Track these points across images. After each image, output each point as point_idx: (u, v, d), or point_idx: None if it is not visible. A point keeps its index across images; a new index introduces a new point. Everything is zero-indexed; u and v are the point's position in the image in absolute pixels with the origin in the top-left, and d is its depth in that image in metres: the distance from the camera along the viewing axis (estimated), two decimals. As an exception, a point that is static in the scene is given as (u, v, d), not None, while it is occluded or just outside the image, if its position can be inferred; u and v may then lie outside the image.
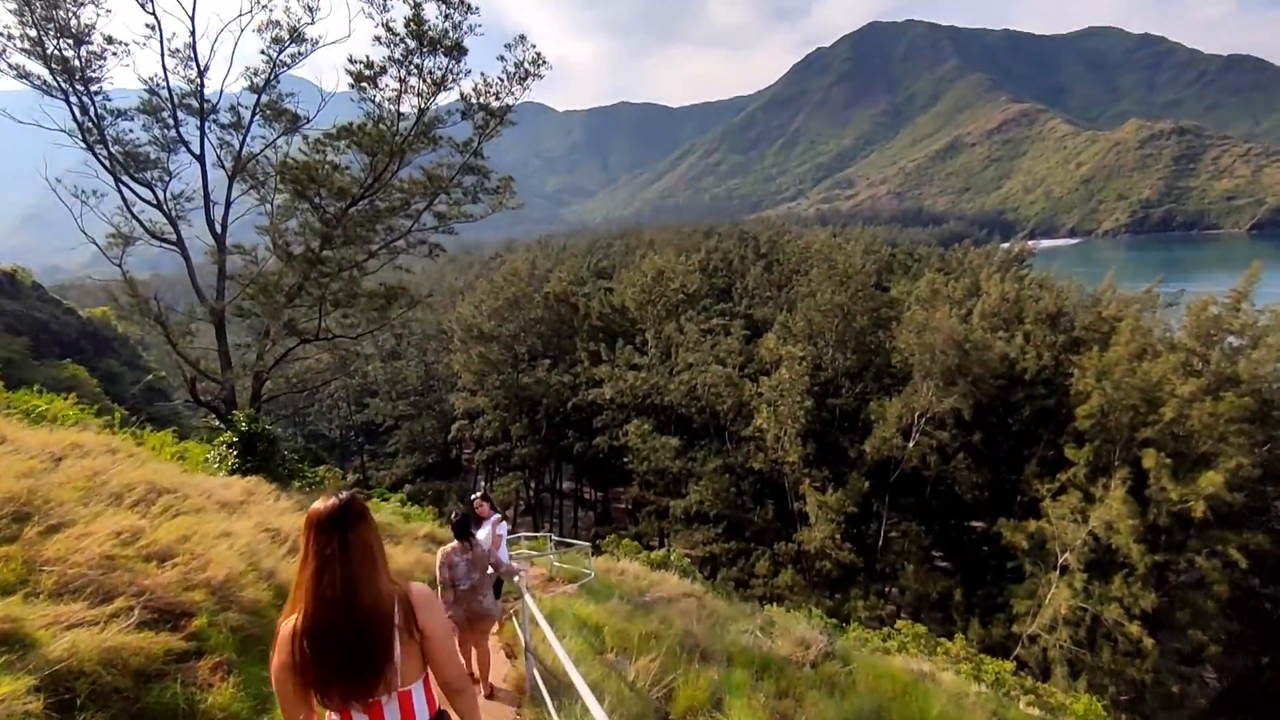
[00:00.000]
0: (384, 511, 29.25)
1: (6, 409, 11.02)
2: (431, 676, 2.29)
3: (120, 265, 16.22)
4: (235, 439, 13.49)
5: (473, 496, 8.04)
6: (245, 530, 7.72)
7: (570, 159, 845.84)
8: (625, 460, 46.73)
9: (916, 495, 41.38)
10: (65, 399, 15.88)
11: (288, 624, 2.13)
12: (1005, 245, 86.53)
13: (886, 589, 36.46)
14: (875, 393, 43.01)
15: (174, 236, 16.76)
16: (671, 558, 22.01)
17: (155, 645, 4.29)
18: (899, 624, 24.31)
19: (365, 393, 67.61)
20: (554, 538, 18.82)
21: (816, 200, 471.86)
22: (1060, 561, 28.76)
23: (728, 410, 42.33)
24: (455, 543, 5.97)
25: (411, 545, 11.87)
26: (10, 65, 15.04)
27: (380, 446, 66.83)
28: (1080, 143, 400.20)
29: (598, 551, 25.38)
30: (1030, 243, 79.86)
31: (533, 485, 57.74)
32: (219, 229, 17.01)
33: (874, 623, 31.77)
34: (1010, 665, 21.27)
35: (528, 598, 5.52)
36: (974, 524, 43.71)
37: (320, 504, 2.18)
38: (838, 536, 35.58)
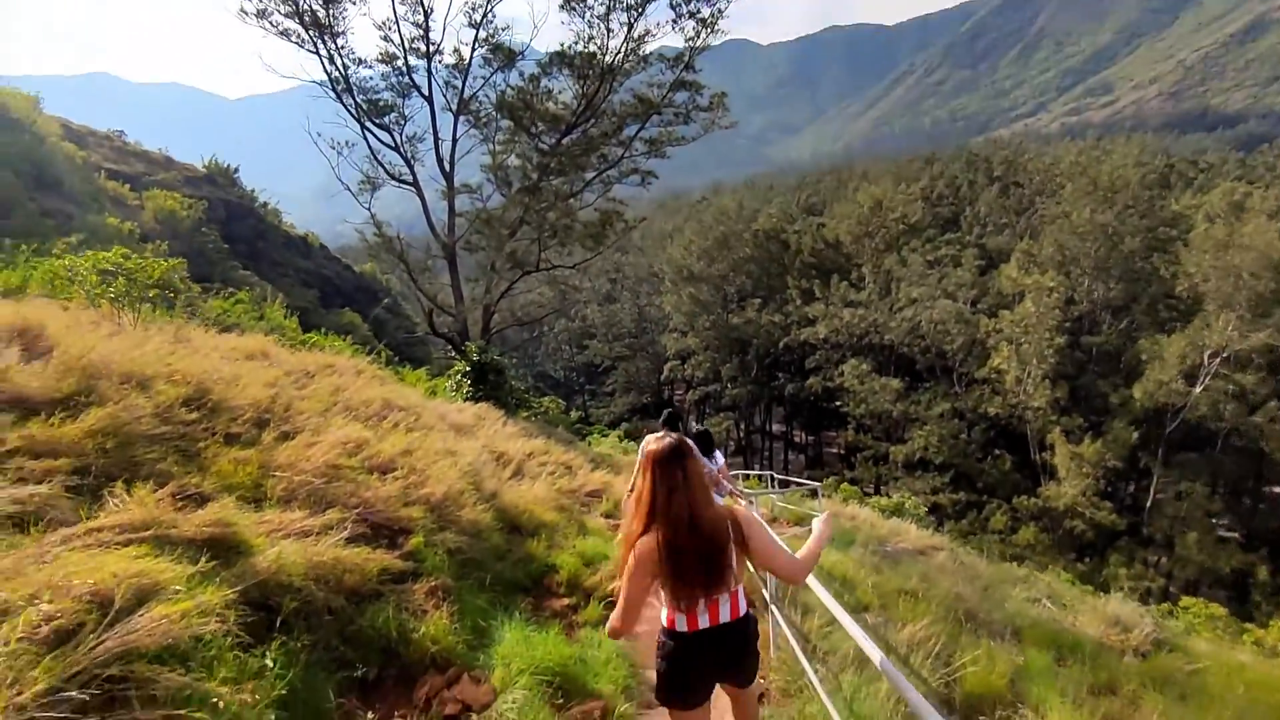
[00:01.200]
0: (604, 445, 30.55)
1: (300, 345, 12.33)
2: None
3: (369, 208, 17.76)
4: (468, 368, 14.15)
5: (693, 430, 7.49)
6: (470, 450, 7.70)
7: (776, 95, 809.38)
8: (839, 403, 44.47)
9: (1201, 451, 34.77)
10: (344, 339, 18.19)
11: (649, 538, 2.54)
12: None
13: (1157, 558, 31.21)
14: (1146, 329, 36.40)
15: (410, 177, 17.99)
16: (906, 505, 20.18)
17: (370, 562, 4.00)
18: (1184, 601, 20.50)
19: (584, 335, 71.10)
20: (775, 475, 17.99)
21: (1061, 113, 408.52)
22: None
23: (957, 350, 38.29)
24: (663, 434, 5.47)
25: (632, 474, 11.71)
26: (272, 24, 16.72)
27: (599, 386, 70.24)
28: None
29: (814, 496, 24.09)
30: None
31: (743, 426, 57.30)
32: (447, 167, 18.01)
33: (1141, 596, 27.33)
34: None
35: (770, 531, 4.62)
36: (1277, 490, 35.97)
37: (657, 444, 2.65)
38: (1092, 494, 31.01)
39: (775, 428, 60.83)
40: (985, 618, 6.06)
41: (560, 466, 10.19)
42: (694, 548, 2.51)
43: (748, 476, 23.40)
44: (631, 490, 4.03)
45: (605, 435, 37.84)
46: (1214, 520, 31.77)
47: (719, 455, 7.22)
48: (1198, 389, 31.46)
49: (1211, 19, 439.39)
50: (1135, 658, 6.07)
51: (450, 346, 17.27)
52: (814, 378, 46.65)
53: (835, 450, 57.81)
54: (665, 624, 2.67)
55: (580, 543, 6.89)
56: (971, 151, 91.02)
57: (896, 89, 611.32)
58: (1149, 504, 33.75)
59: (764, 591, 5.34)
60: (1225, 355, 30.92)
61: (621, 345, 65.57)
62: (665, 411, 6.94)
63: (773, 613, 4.82)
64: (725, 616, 2.61)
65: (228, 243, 53.28)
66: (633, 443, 37.99)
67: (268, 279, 51.53)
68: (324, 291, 64.33)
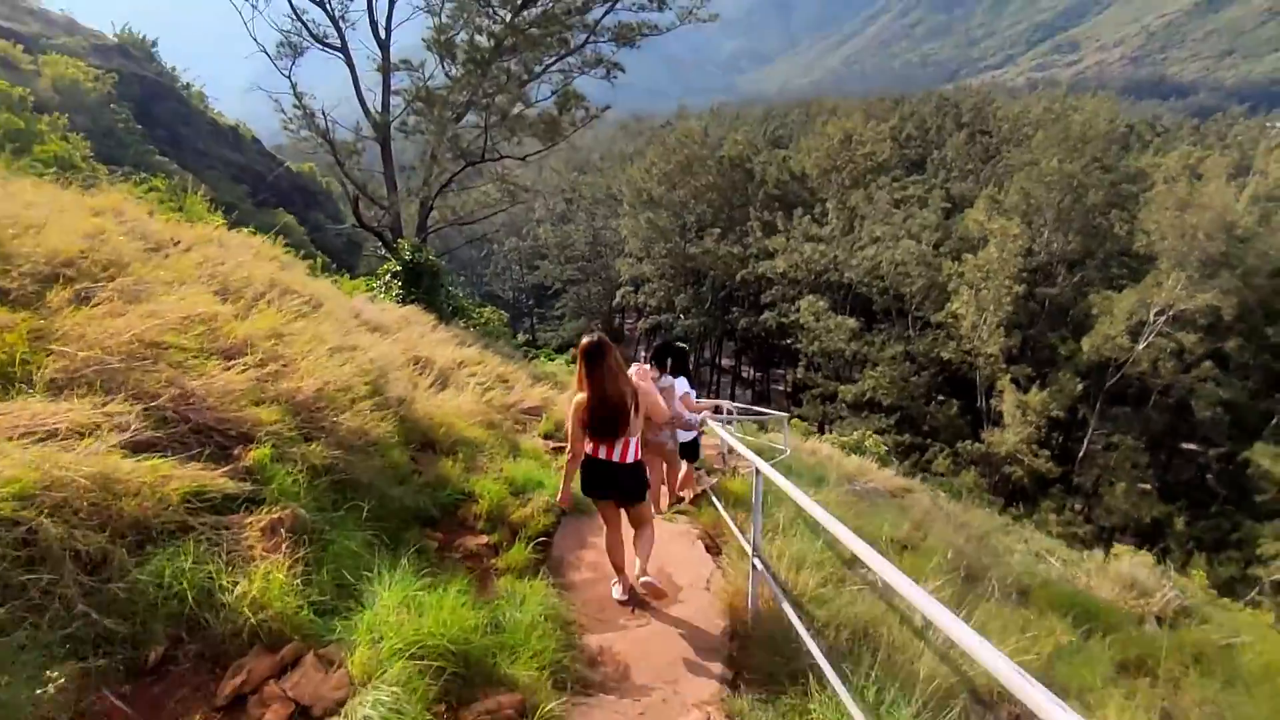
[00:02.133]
0: (549, 367, 29.21)
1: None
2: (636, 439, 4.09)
3: (289, 75, 15.28)
4: (398, 267, 12.47)
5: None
6: (382, 351, 6.24)
7: (750, 20, 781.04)
8: (789, 340, 43.90)
9: (1135, 406, 35.56)
10: (274, 240, 16.14)
11: (580, 397, 3.95)
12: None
13: (1086, 507, 32.05)
14: (1097, 284, 36.53)
15: (339, 41, 15.48)
16: (867, 444, 19.56)
17: (172, 482, 2.62)
18: (1116, 549, 20.69)
19: (536, 255, 68.68)
20: (734, 405, 16.99)
21: (1028, 68, 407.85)
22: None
23: (915, 293, 37.82)
24: (649, 367, 5.36)
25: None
26: None
27: (549, 310, 68.35)
28: None
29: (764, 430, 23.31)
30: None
31: (692, 359, 56.56)
32: (383, 33, 15.53)
33: (1069, 540, 28.04)
34: None
35: (758, 462, 3.60)
36: (1190, 446, 37.17)
37: (586, 340, 4.00)
38: (1033, 442, 31.41)
39: (725, 362, 60.39)
40: (990, 576, 5.14)
41: (495, 379, 8.76)
42: (603, 411, 3.87)
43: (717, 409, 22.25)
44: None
45: (552, 359, 36.54)
46: (1141, 472, 32.68)
47: (681, 381, 6.33)
48: (1141, 345, 31.79)
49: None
50: (1160, 628, 5.30)
51: (381, 243, 15.26)
52: (769, 313, 45.84)
53: (782, 389, 57.86)
54: (587, 452, 4.04)
55: (510, 466, 5.64)
56: (942, 96, 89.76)
57: (870, 26, 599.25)
58: (1081, 454, 34.54)
59: (742, 540, 4.24)
60: (1171, 314, 31.18)
61: (574, 268, 63.46)
62: (677, 347, 6.39)
63: (756, 565, 3.68)
64: (616, 457, 3.97)
65: (143, 125, 48.65)
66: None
67: (191, 169, 47.49)
68: (256, 189, 60.14)
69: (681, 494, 6.50)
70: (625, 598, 4.20)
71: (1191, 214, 29.01)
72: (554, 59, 16.10)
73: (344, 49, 15.54)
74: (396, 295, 12.45)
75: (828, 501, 5.72)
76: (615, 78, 16.62)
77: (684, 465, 6.51)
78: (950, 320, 34.78)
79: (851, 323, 38.32)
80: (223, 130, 69.12)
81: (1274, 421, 32.46)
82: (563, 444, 7.06)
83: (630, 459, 3.97)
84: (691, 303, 51.11)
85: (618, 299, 58.12)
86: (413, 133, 15.70)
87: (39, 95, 30.75)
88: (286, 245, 17.07)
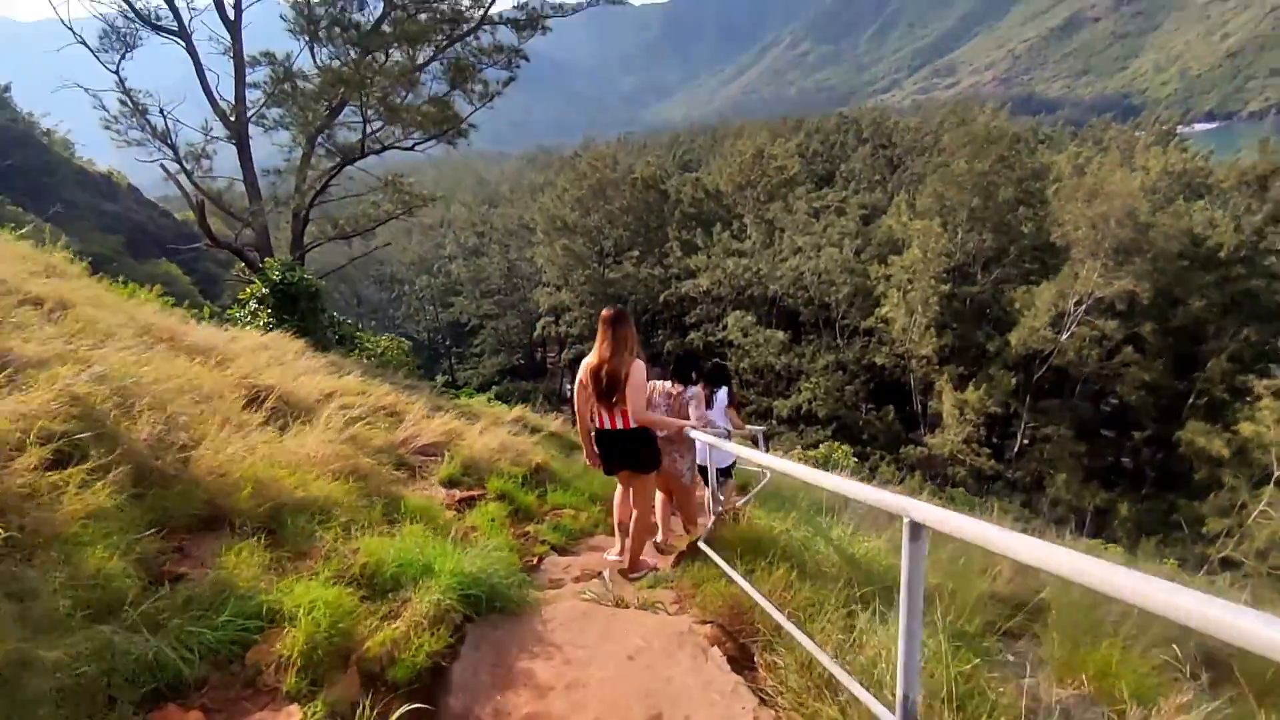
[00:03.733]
0: (470, 403, 26.71)
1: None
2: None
3: (118, 72, 12.39)
4: (265, 291, 10.11)
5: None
6: (172, 372, 4.08)
7: (648, 56, 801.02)
8: (717, 359, 42.77)
9: (1061, 397, 35.96)
10: (149, 290, 13.46)
11: (587, 361, 4.33)
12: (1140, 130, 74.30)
13: (1033, 500, 31.82)
14: (1014, 280, 37.08)
15: (175, 25, 12.69)
16: (835, 456, 18.06)
17: None
18: (1088, 544, 19.89)
19: (449, 292, 65.76)
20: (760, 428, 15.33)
21: (912, 90, 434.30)
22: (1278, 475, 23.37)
23: (841, 300, 37.38)
24: (666, 383, 5.62)
25: (494, 427, 8.29)
26: None
27: (467, 348, 65.37)
28: (1228, 10, 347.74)
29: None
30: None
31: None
32: (230, 12, 12.86)
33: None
34: None
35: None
36: (1108, 433, 37.86)
37: (609, 310, 4.30)
38: (975, 441, 31.03)
39: (654, 387, 58.87)
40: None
41: (377, 412, 6.57)
42: (605, 372, 4.21)
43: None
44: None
45: (473, 397, 34.19)
46: (1077, 461, 32.75)
47: (721, 393, 6.51)
48: (1064, 335, 32.11)
49: (1039, 11, 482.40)
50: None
51: (245, 264, 12.46)
52: (695, 333, 44.66)
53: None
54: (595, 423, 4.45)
55: (375, 543, 3.40)
56: (842, 115, 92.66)
57: (765, 58, 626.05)
58: (1015, 449, 34.52)
59: (815, 650, 2.36)
60: (1089, 303, 31.68)
61: (490, 302, 60.92)
62: (711, 362, 6.85)
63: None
64: (620, 425, 4.32)
65: (-5, 176, 43.98)
66: (504, 405, 34.40)
67: (55, 221, 42.88)
68: (134, 239, 55.85)
69: (701, 521, 5.59)
70: (620, 560, 4.70)
71: (1100, 202, 29.51)
72: (445, 41, 13.82)
73: (183, 32, 12.81)
74: (266, 324, 10.03)
75: (879, 549, 3.93)
76: (518, 67, 14.56)
77: (704, 490, 5.87)
78: (880, 325, 34.36)
79: (781, 335, 37.47)
80: (93, 178, 63.63)
81: (1190, 401, 33.28)
82: (473, 491, 5.97)
83: (629, 425, 4.29)
84: (615, 329, 49.43)
85: (538, 331, 55.88)
86: (273, 128, 13.05)
87: None
88: (166, 294, 14.42)
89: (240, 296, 10.88)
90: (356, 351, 12.37)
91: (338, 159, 13.01)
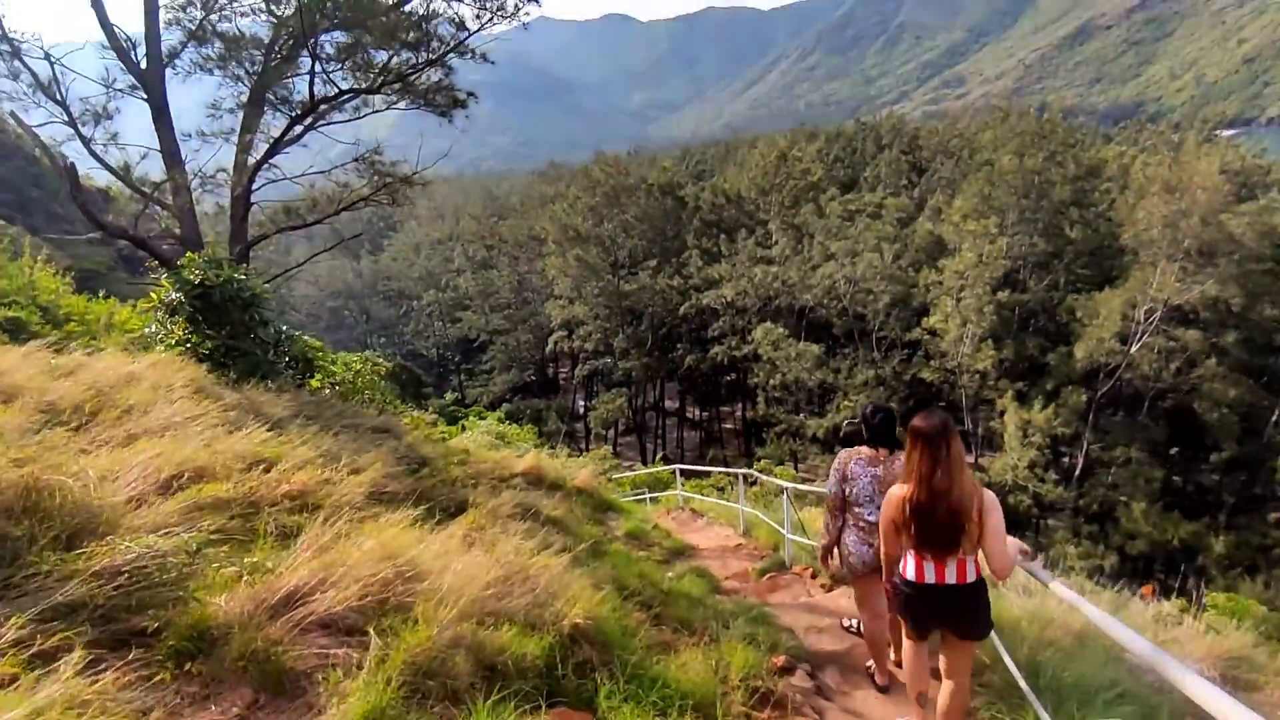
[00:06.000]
0: (477, 430, 23.73)
1: None
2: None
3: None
4: (178, 296, 7.16)
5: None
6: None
7: (655, 72, 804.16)
8: (732, 376, 39.97)
9: (1129, 414, 32.60)
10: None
11: (898, 491, 3.03)
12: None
13: (1103, 533, 28.44)
14: (1066, 286, 33.91)
15: None
16: None
17: None
18: (1211, 597, 16.59)
19: (457, 307, 63.09)
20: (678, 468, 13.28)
21: (922, 101, 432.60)
22: None
23: (879, 310, 34.24)
24: (865, 448, 3.91)
25: (492, 515, 5.11)
26: None
27: (476, 364, 62.62)
28: (1244, 15, 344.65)
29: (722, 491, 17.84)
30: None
31: (635, 404, 51.57)
32: None
33: (1096, 575, 24.12)
34: None
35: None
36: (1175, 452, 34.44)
37: (923, 421, 2.96)
38: (1040, 465, 27.75)
39: (669, 404, 55.80)
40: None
41: (272, 509, 3.32)
42: (940, 513, 2.87)
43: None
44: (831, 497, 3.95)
45: (483, 418, 31.42)
46: (1153, 487, 29.34)
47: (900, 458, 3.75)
48: (1134, 347, 28.88)
49: (1047, 21, 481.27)
50: None
51: (158, 261, 9.13)
52: (718, 347, 41.62)
53: (731, 426, 53.59)
54: (901, 572, 3.11)
55: None
56: (859, 121, 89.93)
57: (772, 72, 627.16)
58: (1077, 472, 31.14)
59: None
60: (1163, 311, 28.47)
61: (500, 316, 58.17)
62: (871, 408, 4.04)
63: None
64: (951, 579, 2.96)
65: (-23, 186, 41.81)
66: (514, 425, 31.42)
67: (46, 234, 40.63)
68: (128, 256, 53.66)
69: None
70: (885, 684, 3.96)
71: (1183, 197, 26.36)
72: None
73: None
74: (178, 341, 7.03)
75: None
76: (527, 23, 11.29)
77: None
78: (926, 336, 31.19)
79: (815, 349, 34.35)
80: (89, 192, 61.73)
81: (1273, 419, 29.98)
82: None
83: (970, 578, 2.98)
84: (630, 343, 46.28)
85: (550, 346, 53.04)
86: (191, 73, 9.68)
87: None
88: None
89: (143, 305, 7.85)
90: (316, 378, 9.41)
91: (284, 118, 9.88)
